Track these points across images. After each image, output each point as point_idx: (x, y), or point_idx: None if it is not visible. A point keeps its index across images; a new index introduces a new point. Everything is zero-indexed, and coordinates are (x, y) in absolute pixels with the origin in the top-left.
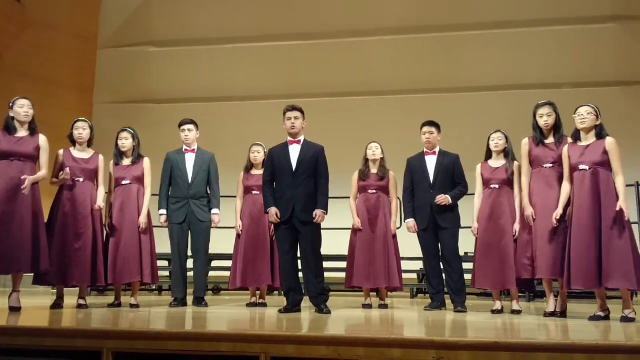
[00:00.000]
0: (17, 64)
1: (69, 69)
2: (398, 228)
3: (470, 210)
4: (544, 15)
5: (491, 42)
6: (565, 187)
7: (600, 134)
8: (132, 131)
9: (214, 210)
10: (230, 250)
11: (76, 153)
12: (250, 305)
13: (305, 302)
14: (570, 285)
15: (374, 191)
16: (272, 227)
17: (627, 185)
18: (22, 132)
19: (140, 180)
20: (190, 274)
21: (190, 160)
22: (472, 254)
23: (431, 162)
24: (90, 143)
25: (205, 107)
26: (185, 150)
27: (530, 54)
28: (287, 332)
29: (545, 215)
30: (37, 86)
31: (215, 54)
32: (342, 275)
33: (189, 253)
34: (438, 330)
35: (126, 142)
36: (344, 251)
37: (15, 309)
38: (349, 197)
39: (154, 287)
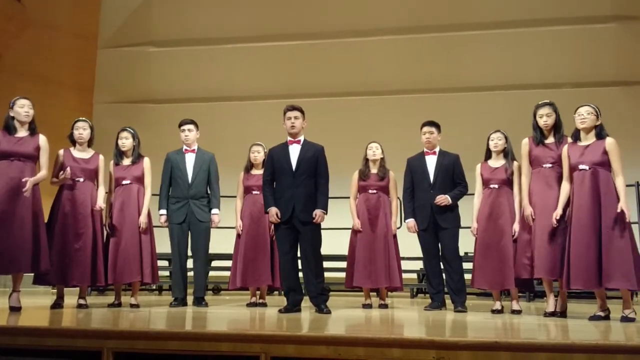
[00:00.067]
0: (17, 63)
1: (69, 68)
2: (398, 228)
3: (470, 210)
4: (544, 15)
5: (491, 42)
6: (565, 187)
7: (600, 134)
8: (132, 131)
9: (214, 211)
10: (230, 250)
11: (76, 153)
12: (250, 305)
13: (305, 302)
14: (570, 285)
15: (374, 191)
16: (272, 227)
17: (627, 185)
18: (22, 132)
19: (140, 180)
20: (190, 273)
21: (190, 160)
22: (472, 254)
23: (431, 162)
24: (90, 143)
25: (205, 107)
26: (185, 150)
27: (530, 54)
28: (287, 332)
29: (544, 215)
30: (37, 86)
31: (215, 54)
32: (342, 275)
33: (189, 253)
34: (438, 330)
35: (126, 141)
36: (344, 251)
37: (15, 309)
38: (349, 197)
39: (154, 287)
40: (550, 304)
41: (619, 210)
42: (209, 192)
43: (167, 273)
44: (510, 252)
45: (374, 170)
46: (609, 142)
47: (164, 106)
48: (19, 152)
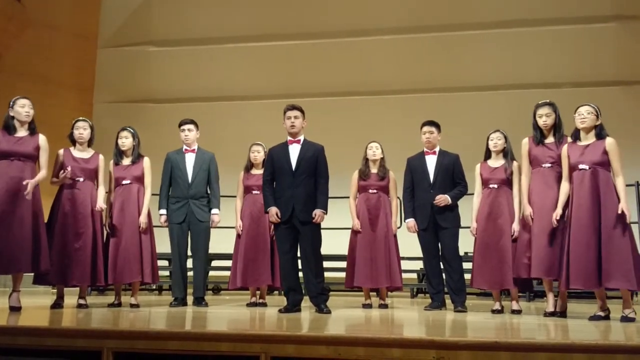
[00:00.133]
0: (17, 63)
1: (69, 68)
2: (398, 228)
3: (470, 209)
4: (544, 15)
5: (491, 42)
6: (564, 186)
7: (600, 134)
8: (132, 130)
9: (214, 210)
10: (230, 250)
11: (76, 153)
12: (250, 305)
13: (305, 302)
14: (570, 285)
15: (375, 191)
16: (272, 226)
17: (627, 185)
18: (22, 132)
19: (140, 179)
20: (190, 273)
21: (190, 160)
22: (472, 254)
23: (431, 161)
24: (90, 143)
25: (205, 107)
26: (185, 150)
27: (530, 54)
28: (287, 332)
29: (542, 215)
30: (37, 86)
31: (215, 53)
32: (342, 275)
33: (189, 253)
34: (438, 330)
35: (126, 141)
36: (344, 251)
37: (15, 309)
38: (348, 197)
39: (154, 287)
40: (550, 304)
41: (619, 212)
42: (208, 192)
43: (167, 273)
44: (509, 252)
45: (374, 170)
46: (609, 142)
47: (164, 106)
48: (18, 152)
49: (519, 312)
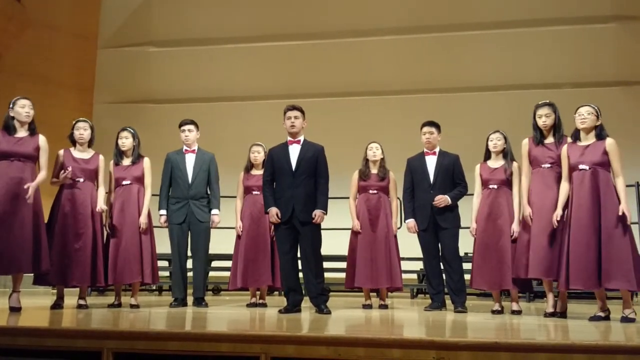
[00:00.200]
0: (17, 64)
1: (69, 69)
2: (398, 228)
3: (470, 210)
4: (544, 15)
5: (491, 42)
6: (564, 186)
7: (601, 134)
8: (132, 131)
9: (214, 211)
10: (230, 250)
11: (76, 153)
12: (250, 305)
13: (305, 302)
14: (570, 285)
15: (375, 191)
16: (273, 227)
17: (627, 186)
18: (22, 132)
19: (140, 180)
20: (190, 274)
21: (190, 160)
22: (472, 254)
23: (431, 162)
24: (90, 143)
25: (205, 107)
26: (186, 150)
27: (530, 54)
28: (287, 332)
29: (541, 215)
30: (37, 86)
31: (216, 54)
32: (342, 275)
33: (189, 253)
34: (438, 330)
35: (126, 141)
36: (344, 251)
37: (15, 309)
38: (348, 197)
39: (154, 287)
40: (550, 304)
41: (620, 214)
42: (208, 192)
43: (167, 273)
44: (508, 253)
45: (374, 170)
46: (609, 142)
47: (164, 106)
48: (18, 152)
49: (519, 312)
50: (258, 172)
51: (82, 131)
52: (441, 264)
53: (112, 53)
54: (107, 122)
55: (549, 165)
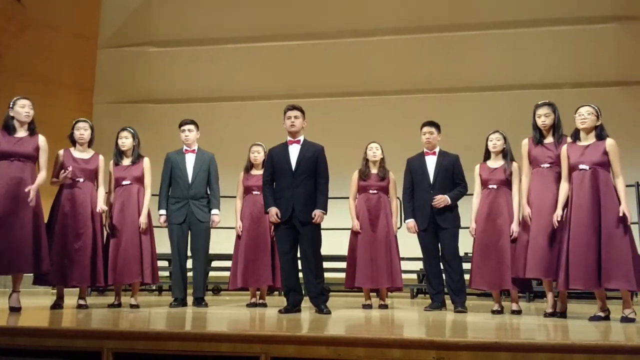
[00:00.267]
0: (17, 64)
1: (69, 69)
2: (398, 228)
3: (470, 210)
4: (544, 15)
5: (491, 42)
6: (564, 186)
7: (601, 134)
8: (132, 131)
9: (214, 211)
10: (230, 250)
11: (76, 153)
12: (250, 305)
13: (305, 302)
14: (569, 285)
15: (375, 191)
16: (273, 227)
17: (627, 186)
18: (22, 132)
19: (140, 180)
20: (190, 274)
21: (190, 160)
22: (472, 254)
23: (431, 162)
24: (90, 143)
25: (205, 107)
26: (185, 150)
27: (530, 54)
28: (287, 332)
29: (540, 215)
30: (37, 86)
31: (216, 54)
32: (342, 275)
33: (189, 253)
34: (438, 330)
35: (126, 141)
36: (344, 251)
37: (15, 309)
38: (348, 198)
39: (154, 287)
40: (549, 304)
41: (620, 214)
42: (208, 192)
43: (167, 273)
44: (508, 253)
45: (374, 170)
46: (610, 143)
47: (164, 106)
48: (18, 152)
49: (518, 312)
50: (258, 172)
51: (82, 131)
52: (441, 264)
53: (112, 53)
54: (107, 122)
55: (549, 165)
